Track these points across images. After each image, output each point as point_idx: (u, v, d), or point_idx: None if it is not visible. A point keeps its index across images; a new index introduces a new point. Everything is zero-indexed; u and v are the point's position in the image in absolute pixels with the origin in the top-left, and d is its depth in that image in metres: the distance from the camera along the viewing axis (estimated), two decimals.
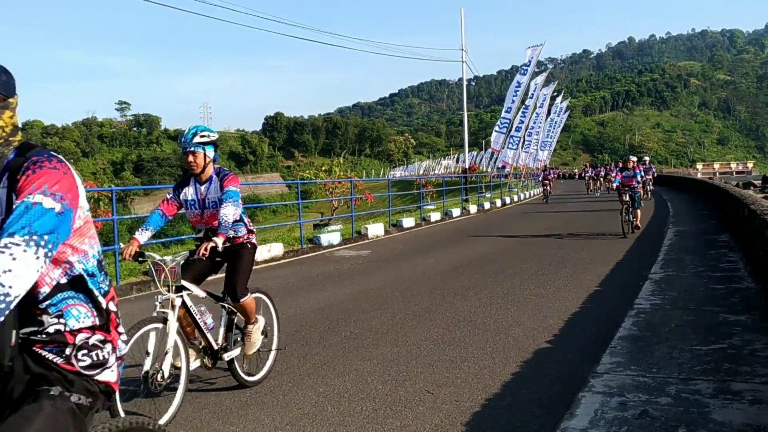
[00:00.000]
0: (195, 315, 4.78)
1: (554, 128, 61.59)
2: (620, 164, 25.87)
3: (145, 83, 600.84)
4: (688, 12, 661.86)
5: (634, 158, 17.75)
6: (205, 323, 4.83)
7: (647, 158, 25.40)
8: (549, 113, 56.84)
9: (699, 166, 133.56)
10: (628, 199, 15.34)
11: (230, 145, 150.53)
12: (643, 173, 23.81)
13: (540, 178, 29.87)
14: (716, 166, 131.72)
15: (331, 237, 15.73)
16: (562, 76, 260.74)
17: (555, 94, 61.06)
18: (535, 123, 48.78)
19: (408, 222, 20.16)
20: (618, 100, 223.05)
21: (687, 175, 57.17)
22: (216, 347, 4.86)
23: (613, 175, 24.59)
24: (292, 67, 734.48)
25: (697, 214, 20.04)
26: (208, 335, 4.82)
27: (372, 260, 12.82)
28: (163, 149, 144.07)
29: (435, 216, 22.39)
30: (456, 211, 24.76)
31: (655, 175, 23.18)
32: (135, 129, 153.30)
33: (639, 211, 16.08)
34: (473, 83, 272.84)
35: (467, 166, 35.40)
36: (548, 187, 33.04)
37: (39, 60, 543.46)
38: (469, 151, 37.63)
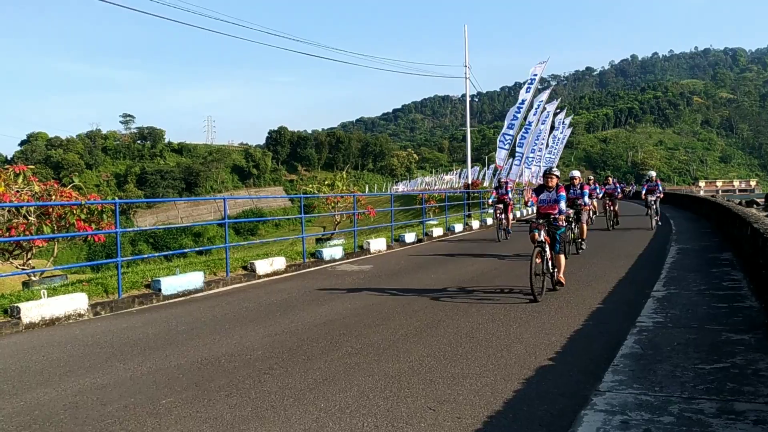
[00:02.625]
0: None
1: (557, 145, 61.66)
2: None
3: (150, 96, 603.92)
4: (690, 30, 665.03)
5: (577, 173, 16.75)
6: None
7: (653, 173, 24.27)
8: (552, 130, 56.93)
9: (701, 183, 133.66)
10: (541, 237, 9.34)
11: (234, 159, 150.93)
12: (597, 191, 23.85)
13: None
14: (719, 183, 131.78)
15: (333, 251, 15.72)
16: (565, 93, 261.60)
17: (558, 110, 61.18)
18: (537, 139, 48.86)
19: (410, 237, 20.15)
20: (621, 117, 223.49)
21: (689, 193, 57.13)
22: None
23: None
24: (295, 81, 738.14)
25: (700, 232, 20.01)
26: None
27: (374, 275, 12.80)
28: (167, 162, 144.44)
29: (437, 231, 22.38)
30: (458, 227, 24.74)
31: (662, 195, 22.20)
32: (139, 142, 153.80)
33: (562, 258, 9.96)
34: (476, 99, 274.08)
35: (470, 182, 35.44)
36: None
37: (44, 72, 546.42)
38: (471, 167, 37.69)
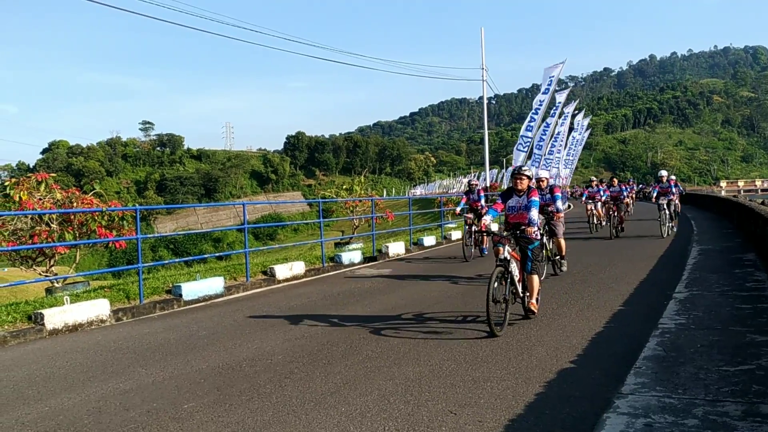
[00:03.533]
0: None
1: (575, 146, 61.30)
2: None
3: (169, 104, 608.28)
4: (710, 29, 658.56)
5: (545, 173, 13.34)
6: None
7: (664, 172, 20.80)
8: (570, 131, 56.62)
9: (723, 183, 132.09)
10: (506, 254, 7.59)
11: (252, 165, 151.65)
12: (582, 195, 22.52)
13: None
14: (741, 183, 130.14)
15: (352, 255, 15.75)
16: (583, 94, 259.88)
17: (576, 111, 60.85)
18: (556, 141, 48.60)
19: (429, 240, 20.12)
20: (640, 117, 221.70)
21: (710, 193, 56.56)
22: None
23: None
24: (313, 87, 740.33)
25: (722, 232, 19.80)
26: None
27: (393, 279, 12.80)
28: (186, 168, 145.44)
29: (456, 234, 22.32)
30: None
31: (675, 198, 21.21)
32: (158, 148, 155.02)
33: (535, 279, 8.10)
34: (494, 101, 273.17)
35: (488, 184, 35.35)
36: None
37: (65, 81, 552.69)
38: (489, 169, 37.56)
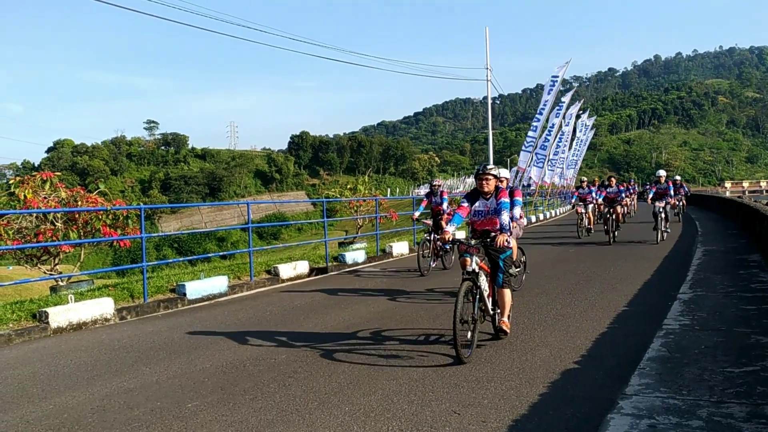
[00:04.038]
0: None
1: (580, 146, 61.24)
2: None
3: (174, 103, 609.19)
4: (715, 29, 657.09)
5: (505, 172, 8.21)
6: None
7: (663, 172, 19.53)
8: (575, 131, 56.56)
9: (727, 184, 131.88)
10: (474, 266, 6.56)
11: (256, 164, 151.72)
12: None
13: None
14: (745, 184, 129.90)
15: (356, 255, 15.75)
16: (587, 95, 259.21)
17: (581, 112, 60.76)
18: (560, 141, 48.57)
19: (460, 235, 20.03)
20: (644, 118, 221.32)
21: (715, 194, 56.46)
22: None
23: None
24: (317, 86, 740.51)
25: (726, 233, 19.75)
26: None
27: (397, 278, 12.80)
28: (191, 167, 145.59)
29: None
30: None
31: (672, 201, 20.64)
32: (163, 148, 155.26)
33: (507, 294, 7.06)
34: (498, 101, 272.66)
35: None
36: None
37: (70, 80, 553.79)
38: None
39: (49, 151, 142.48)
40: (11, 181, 12.57)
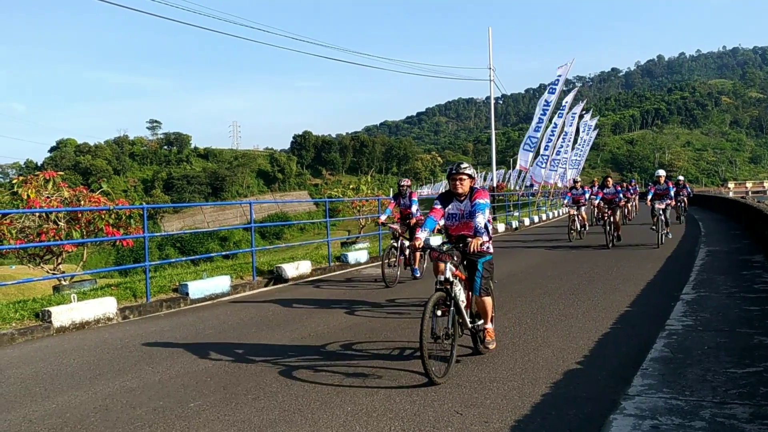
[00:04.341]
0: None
1: (583, 147, 61.17)
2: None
3: (176, 103, 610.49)
4: (718, 30, 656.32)
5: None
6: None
7: (662, 172, 18.80)
8: (577, 131, 56.51)
9: (731, 185, 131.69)
10: (448, 274, 5.87)
11: (259, 164, 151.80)
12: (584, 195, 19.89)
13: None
14: (749, 185, 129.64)
15: (358, 255, 15.75)
16: (590, 95, 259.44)
17: (584, 112, 60.70)
18: (563, 141, 48.52)
19: (435, 241, 20.04)
20: (647, 118, 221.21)
21: (718, 194, 56.34)
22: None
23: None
24: (320, 86, 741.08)
25: (729, 234, 19.71)
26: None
27: (399, 278, 12.78)
28: (193, 167, 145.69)
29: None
30: None
31: (690, 195, 20.46)
32: (165, 147, 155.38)
33: (489, 302, 6.33)
34: (501, 101, 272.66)
35: (495, 185, 35.31)
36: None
37: (73, 79, 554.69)
38: (496, 170, 37.53)
39: (52, 150, 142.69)
40: (14, 181, 12.59)
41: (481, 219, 6.14)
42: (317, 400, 5.18)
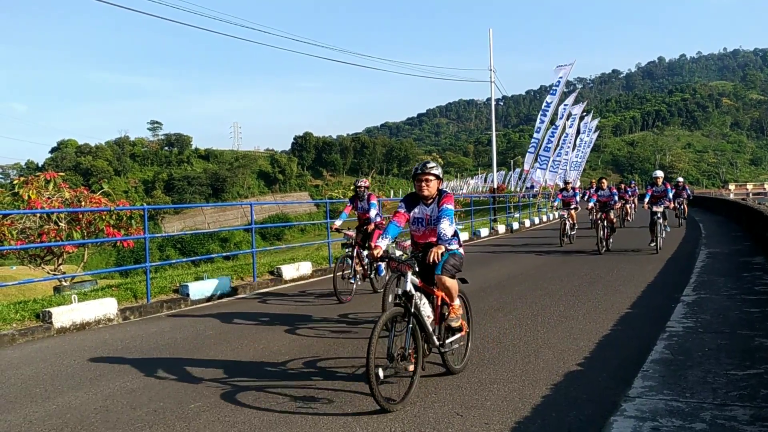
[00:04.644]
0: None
1: (583, 148, 61.15)
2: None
3: (177, 103, 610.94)
4: (719, 31, 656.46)
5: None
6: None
7: (659, 173, 17.84)
8: (578, 133, 56.50)
9: (731, 186, 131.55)
10: (409, 286, 5.26)
11: (260, 165, 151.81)
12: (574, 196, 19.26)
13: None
14: (749, 186, 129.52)
15: None
16: (591, 96, 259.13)
17: (584, 113, 60.68)
18: (564, 143, 48.52)
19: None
20: (648, 120, 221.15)
21: (719, 196, 56.31)
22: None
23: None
24: (321, 87, 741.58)
25: (730, 235, 19.70)
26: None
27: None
28: (194, 168, 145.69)
29: (463, 236, 22.30)
30: (484, 231, 24.66)
31: (690, 197, 20.33)
32: (166, 148, 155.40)
33: (447, 280, 5.56)
34: (501, 103, 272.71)
35: (495, 186, 35.31)
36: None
37: (74, 81, 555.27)
38: (497, 171, 37.53)
39: (52, 151, 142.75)
40: (15, 182, 12.63)
41: (447, 225, 5.46)
42: (318, 401, 5.17)
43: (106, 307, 9.25)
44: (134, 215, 12.55)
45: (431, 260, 5.19)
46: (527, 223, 30.59)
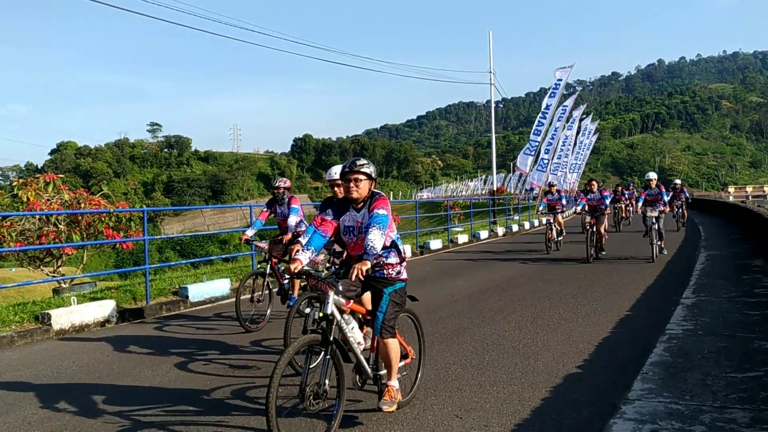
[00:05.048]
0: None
1: (583, 150, 61.25)
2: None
3: (177, 105, 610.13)
4: (719, 34, 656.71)
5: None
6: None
7: (653, 174, 16.09)
8: (578, 135, 56.57)
9: (731, 189, 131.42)
10: (330, 308, 4.41)
11: (259, 167, 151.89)
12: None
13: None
14: (749, 189, 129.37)
15: None
16: (591, 99, 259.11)
17: (584, 116, 60.77)
18: (563, 145, 48.58)
19: (435, 244, 20.11)
20: (648, 122, 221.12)
21: (718, 199, 56.35)
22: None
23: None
24: (320, 89, 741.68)
25: (730, 238, 19.70)
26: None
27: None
28: (194, 170, 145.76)
29: (462, 238, 22.31)
30: (484, 234, 24.65)
31: (689, 200, 20.09)
32: (166, 150, 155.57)
33: (392, 344, 4.71)
34: (501, 105, 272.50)
35: (495, 188, 35.31)
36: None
37: (74, 82, 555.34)
38: (497, 173, 37.55)
39: (52, 152, 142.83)
40: (14, 183, 12.62)
41: (378, 235, 4.51)
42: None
43: (105, 309, 9.25)
44: (134, 217, 12.55)
45: (352, 278, 4.32)
46: (527, 225, 30.59)
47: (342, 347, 4.51)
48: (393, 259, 4.85)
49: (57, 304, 9.36)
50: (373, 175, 4.81)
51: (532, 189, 42.52)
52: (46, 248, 11.51)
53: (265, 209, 9.42)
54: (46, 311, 8.68)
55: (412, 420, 4.73)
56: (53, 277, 11.77)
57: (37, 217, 11.62)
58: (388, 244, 4.80)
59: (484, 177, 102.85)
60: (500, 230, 26.77)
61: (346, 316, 4.66)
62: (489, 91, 33.73)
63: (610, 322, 8.04)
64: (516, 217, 32.44)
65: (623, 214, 26.48)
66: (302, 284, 7.92)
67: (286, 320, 6.10)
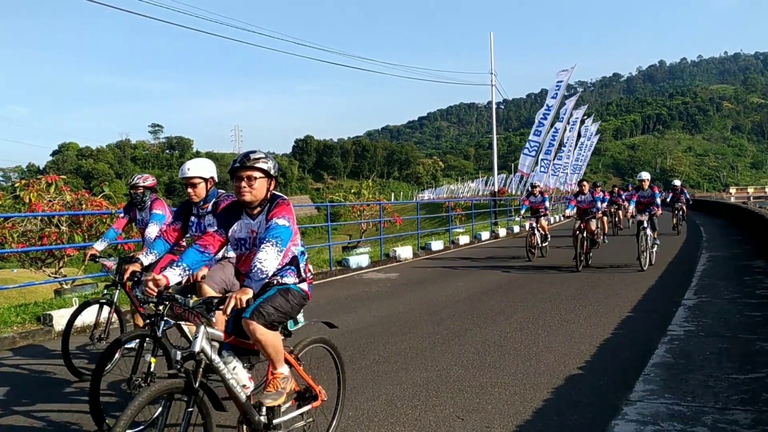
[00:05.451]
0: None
1: (584, 151, 61.17)
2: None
3: (178, 107, 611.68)
4: (720, 35, 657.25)
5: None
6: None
7: (646, 174, 14.76)
8: (579, 136, 56.51)
9: (732, 190, 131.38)
10: (197, 350, 3.36)
11: None
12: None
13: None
14: (750, 190, 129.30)
15: (359, 259, 15.74)
16: (592, 100, 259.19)
17: (585, 117, 60.71)
18: (564, 146, 48.56)
19: (437, 245, 20.10)
20: (649, 123, 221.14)
21: (720, 200, 56.32)
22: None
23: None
24: (321, 90, 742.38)
25: (731, 239, 19.68)
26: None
27: (400, 283, 12.78)
28: None
29: (464, 239, 22.30)
30: (485, 235, 24.64)
31: (690, 201, 19.70)
32: (167, 151, 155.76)
33: (264, 333, 3.62)
34: (502, 106, 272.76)
35: (496, 189, 35.31)
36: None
37: (76, 83, 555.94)
38: (498, 174, 37.53)
39: (54, 154, 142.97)
40: (16, 184, 12.64)
41: (271, 254, 3.54)
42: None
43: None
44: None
45: (228, 310, 3.31)
46: (528, 226, 30.48)
47: (213, 395, 3.43)
48: (289, 278, 3.91)
49: (59, 305, 9.36)
50: (272, 172, 3.83)
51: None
52: (48, 249, 11.52)
53: (123, 215, 7.40)
54: (48, 312, 8.69)
55: (413, 421, 4.73)
56: (55, 278, 11.78)
57: (39, 218, 11.63)
58: (287, 261, 3.89)
59: (485, 178, 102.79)
60: (502, 231, 26.77)
61: (224, 353, 3.73)
62: (490, 92, 33.69)
63: (612, 323, 8.03)
64: (517, 218, 32.38)
65: (618, 218, 24.42)
66: (147, 319, 4.92)
67: (97, 363, 4.58)
